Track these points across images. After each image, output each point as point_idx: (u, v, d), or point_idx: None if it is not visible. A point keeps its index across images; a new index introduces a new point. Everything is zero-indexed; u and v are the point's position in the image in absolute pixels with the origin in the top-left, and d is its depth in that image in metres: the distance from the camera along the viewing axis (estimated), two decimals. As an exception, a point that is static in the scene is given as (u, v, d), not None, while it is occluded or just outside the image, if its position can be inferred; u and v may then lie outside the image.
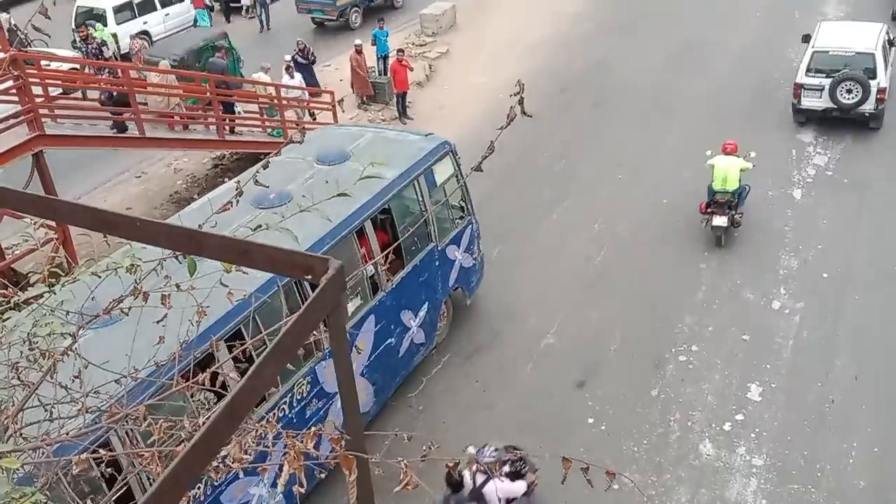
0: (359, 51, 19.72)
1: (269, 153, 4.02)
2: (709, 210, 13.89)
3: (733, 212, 13.82)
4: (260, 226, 3.55)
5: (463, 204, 12.28)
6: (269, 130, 17.96)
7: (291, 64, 18.78)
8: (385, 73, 20.61)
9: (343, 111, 19.41)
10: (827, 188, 15.56)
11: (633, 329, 12.32)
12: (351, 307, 9.99)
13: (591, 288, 13.31)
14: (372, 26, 22.72)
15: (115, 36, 22.63)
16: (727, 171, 13.82)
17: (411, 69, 19.76)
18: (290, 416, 9.04)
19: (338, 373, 2.59)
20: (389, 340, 10.81)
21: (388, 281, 10.65)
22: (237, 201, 3.66)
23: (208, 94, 16.47)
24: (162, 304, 3.51)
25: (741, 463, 10.13)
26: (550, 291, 13.30)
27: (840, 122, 17.36)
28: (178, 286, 3.49)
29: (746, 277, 13.29)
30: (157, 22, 24.57)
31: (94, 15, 23.53)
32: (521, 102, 4.32)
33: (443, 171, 11.59)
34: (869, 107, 16.55)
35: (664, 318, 12.51)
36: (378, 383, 10.69)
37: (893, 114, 17.32)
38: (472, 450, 7.71)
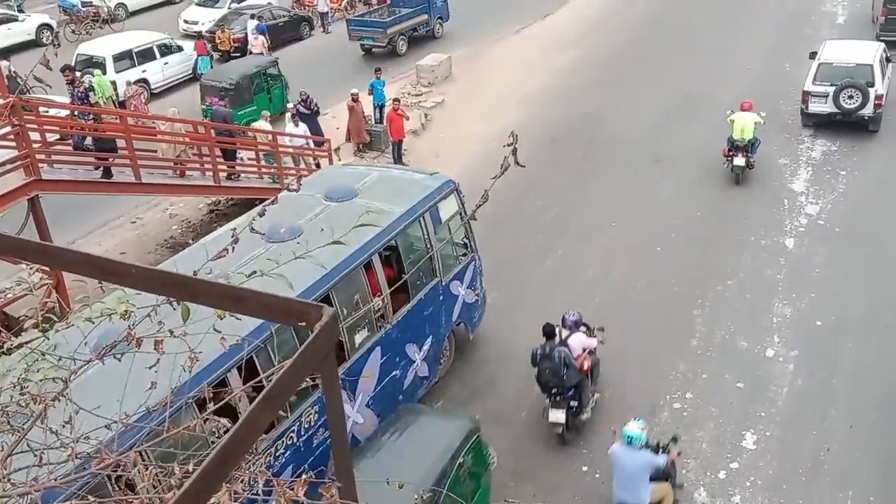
0: (355, 99, 19.95)
1: (266, 199, 4.04)
2: (730, 153, 17.27)
3: (749, 155, 17.17)
4: (255, 272, 3.57)
5: (466, 241, 12.58)
6: (266, 177, 18.12)
7: (295, 112, 19.05)
8: (381, 122, 20.86)
9: (340, 159, 19.56)
10: (819, 237, 15.66)
11: (626, 376, 12.28)
12: (358, 339, 10.26)
13: (584, 335, 13.30)
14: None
15: (114, 83, 22.87)
16: (744, 124, 17.08)
17: (407, 118, 19.98)
18: (298, 444, 9.18)
19: (329, 419, 2.59)
20: (395, 373, 10.99)
21: (393, 314, 10.82)
22: (233, 248, 3.68)
23: (209, 140, 16.67)
24: (155, 349, 3.51)
25: (736, 513, 10.05)
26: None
27: (839, 144, 17.64)
28: (171, 332, 3.49)
29: (740, 325, 13.30)
30: (155, 70, 24.86)
31: (93, 63, 23.80)
32: (514, 153, 4.40)
33: (447, 208, 11.96)
34: (868, 111, 18.61)
35: (658, 366, 12.48)
36: (383, 415, 10.73)
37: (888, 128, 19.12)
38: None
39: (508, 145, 4.38)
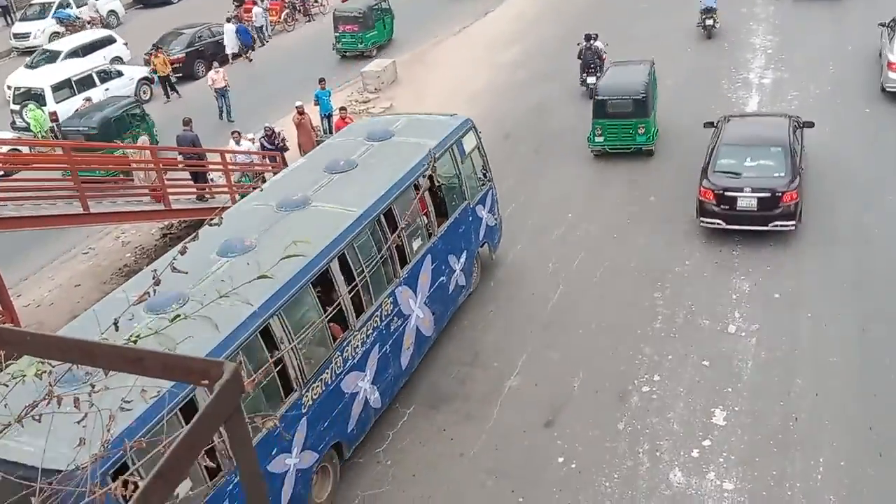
0: (300, 111, 19.84)
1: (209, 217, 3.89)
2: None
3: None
4: (182, 317, 3.45)
5: (485, 172, 14.49)
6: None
7: (239, 131, 18.98)
8: (331, 132, 20.74)
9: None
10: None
11: (594, 364, 12.36)
12: (415, 246, 12.27)
13: (549, 327, 13.36)
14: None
15: (54, 114, 22.42)
16: None
17: (355, 125, 19.88)
18: (380, 327, 11.13)
19: (243, 481, 2.42)
20: (441, 278, 12.82)
21: (438, 227, 12.82)
22: (154, 291, 3.57)
23: (160, 165, 16.54)
24: (75, 407, 3.35)
25: (712, 489, 10.14)
26: (511, 333, 13.32)
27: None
28: (93, 386, 3.34)
29: (700, 304, 13.45)
30: (97, 97, 24.37)
31: (31, 95, 23.35)
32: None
33: (468, 142, 13.95)
34: None
35: (624, 351, 12.57)
36: (437, 313, 12.66)
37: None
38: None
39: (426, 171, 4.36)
